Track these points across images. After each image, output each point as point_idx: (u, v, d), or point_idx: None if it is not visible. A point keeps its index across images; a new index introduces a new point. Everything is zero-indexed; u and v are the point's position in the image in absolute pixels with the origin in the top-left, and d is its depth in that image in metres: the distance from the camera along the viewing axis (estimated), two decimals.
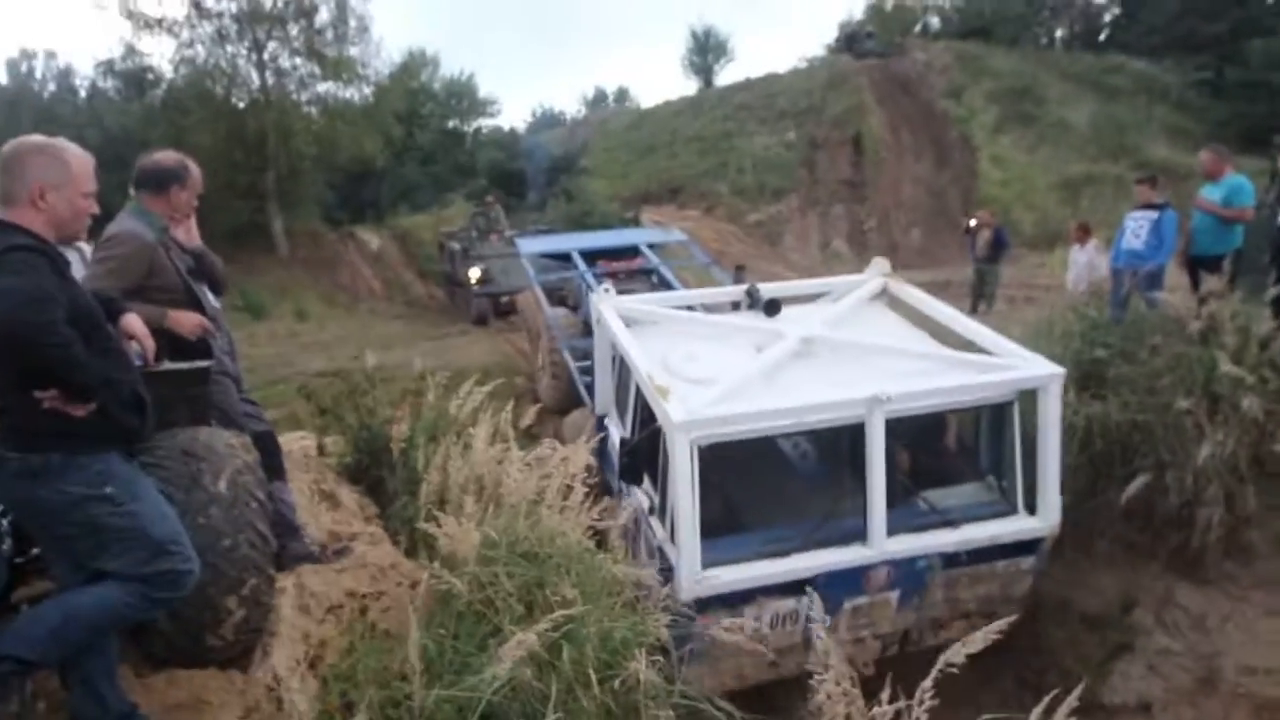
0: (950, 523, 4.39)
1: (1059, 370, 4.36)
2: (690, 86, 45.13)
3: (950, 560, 4.42)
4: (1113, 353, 4.97)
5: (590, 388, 6.68)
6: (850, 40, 35.98)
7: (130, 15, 19.54)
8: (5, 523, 2.53)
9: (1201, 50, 30.09)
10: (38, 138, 2.27)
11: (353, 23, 21.24)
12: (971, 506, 4.56)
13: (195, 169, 3.26)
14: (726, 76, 43.60)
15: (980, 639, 2.16)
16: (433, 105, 30.08)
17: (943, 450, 4.97)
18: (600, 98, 55.57)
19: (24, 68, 32.14)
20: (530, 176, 26.79)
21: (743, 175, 26.16)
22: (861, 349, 4.85)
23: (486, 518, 3.50)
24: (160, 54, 22.39)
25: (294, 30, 20.81)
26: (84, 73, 27.84)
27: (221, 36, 20.40)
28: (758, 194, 25.83)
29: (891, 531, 4.23)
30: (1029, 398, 4.34)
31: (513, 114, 72.51)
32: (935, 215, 23.85)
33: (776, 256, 22.84)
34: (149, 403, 2.38)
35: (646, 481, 4.82)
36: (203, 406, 3.02)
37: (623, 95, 55.88)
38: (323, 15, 20.99)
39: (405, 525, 4.36)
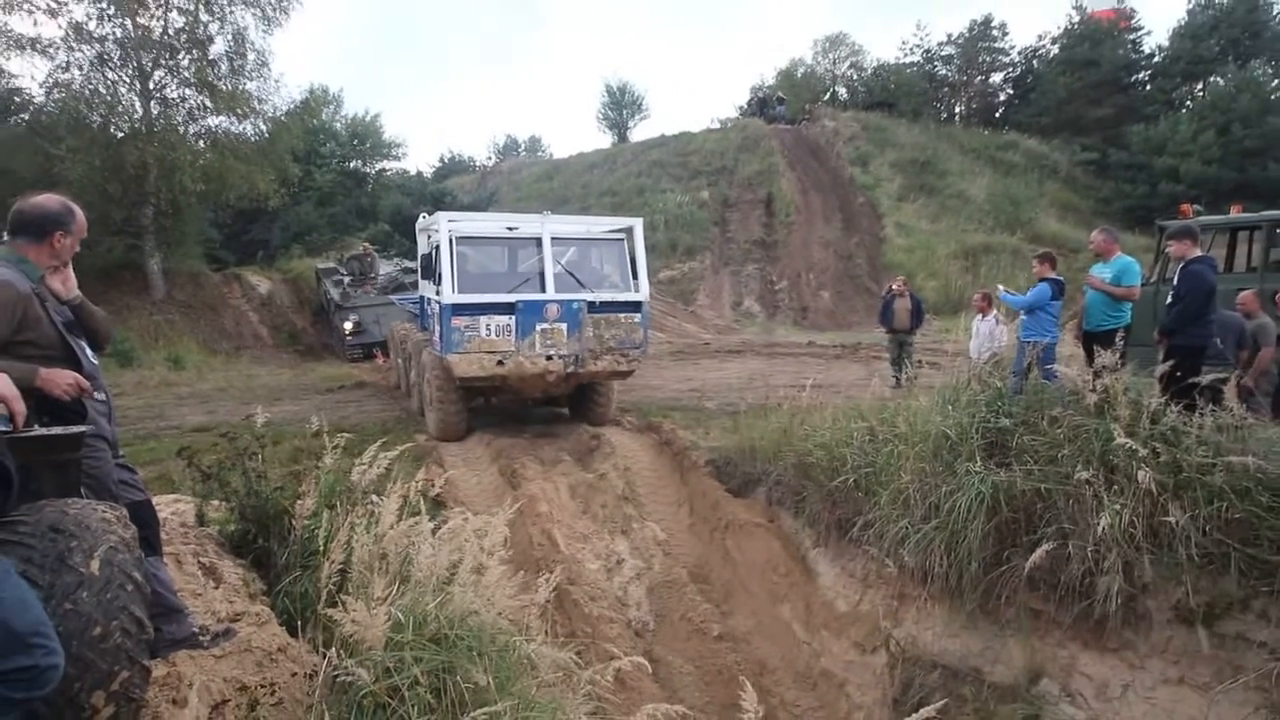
0: (589, 289, 8.94)
1: (638, 220, 9.63)
2: (604, 140, 46.10)
3: (593, 308, 8.76)
4: (1016, 422, 5.18)
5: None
6: (762, 105, 37.76)
7: None
8: None
9: (1087, 132, 33.36)
10: None
11: (251, 56, 20.44)
12: (604, 285, 9.18)
13: (80, 213, 2.96)
14: (640, 132, 44.80)
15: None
16: (333, 145, 29.22)
17: (595, 266, 9.50)
18: (512, 146, 55.39)
19: None
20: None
21: (655, 232, 26.44)
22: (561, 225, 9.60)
23: (392, 597, 3.24)
24: (30, 76, 20.88)
25: (185, 60, 19.88)
26: None
27: (102, 61, 19.22)
28: (670, 251, 26.19)
29: (558, 289, 8.69)
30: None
31: (419, 158, 71.41)
32: (844, 278, 24.78)
33: (688, 315, 23.10)
34: (14, 473, 2.14)
35: (435, 283, 8.98)
36: (74, 475, 2.69)
37: (535, 145, 56.07)
38: (218, 46, 20.14)
39: (297, 603, 3.99)
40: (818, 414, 7.16)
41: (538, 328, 8.53)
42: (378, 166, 31.38)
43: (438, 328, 8.85)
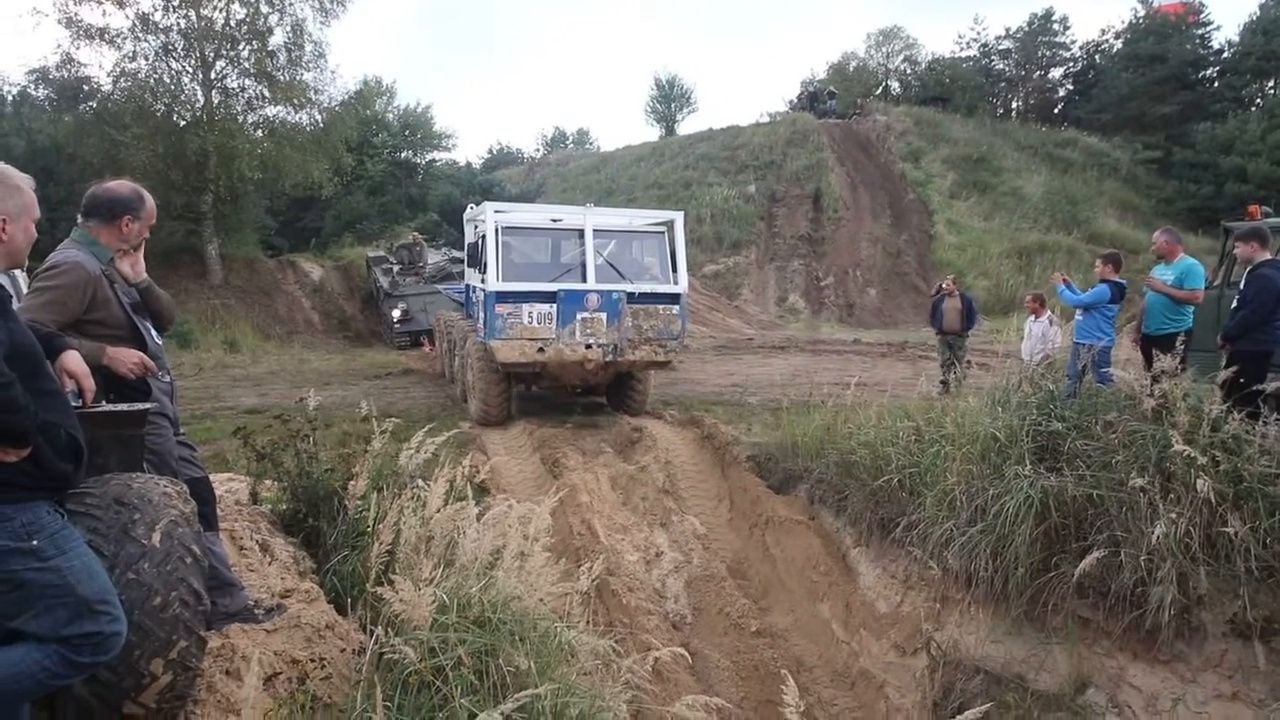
0: (629, 280, 9.16)
1: (679, 213, 9.71)
2: (652, 133, 46.03)
3: (632, 299, 8.96)
4: (1068, 426, 5.05)
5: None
6: (812, 99, 37.25)
7: (70, 23, 18.85)
8: None
9: (1150, 130, 32.18)
10: None
11: (308, 47, 20.93)
12: (644, 277, 9.44)
13: (150, 200, 3.06)
14: (688, 126, 44.66)
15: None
16: (385, 135, 29.65)
17: (635, 258, 9.70)
18: (560, 138, 55.79)
19: None
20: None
21: (701, 225, 26.18)
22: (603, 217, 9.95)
23: (438, 579, 3.30)
24: (99, 65, 21.56)
25: (245, 51, 20.36)
26: (13, 79, 26.64)
27: (167, 51, 19.80)
28: (716, 245, 25.98)
29: (599, 280, 8.91)
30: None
31: (469, 149, 72.14)
32: (891, 276, 24.32)
33: (732, 309, 22.94)
34: (84, 448, 2.20)
35: (480, 272, 9.31)
36: (138, 450, 2.78)
37: (583, 137, 56.32)
38: (277, 38, 20.63)
39: (345, 582, 4.09)
40: (862, 412, 7.06)
41: (578, 316, 8.77)
42: (428, 157, 31.80)
43: (482, 314, 9.08)
